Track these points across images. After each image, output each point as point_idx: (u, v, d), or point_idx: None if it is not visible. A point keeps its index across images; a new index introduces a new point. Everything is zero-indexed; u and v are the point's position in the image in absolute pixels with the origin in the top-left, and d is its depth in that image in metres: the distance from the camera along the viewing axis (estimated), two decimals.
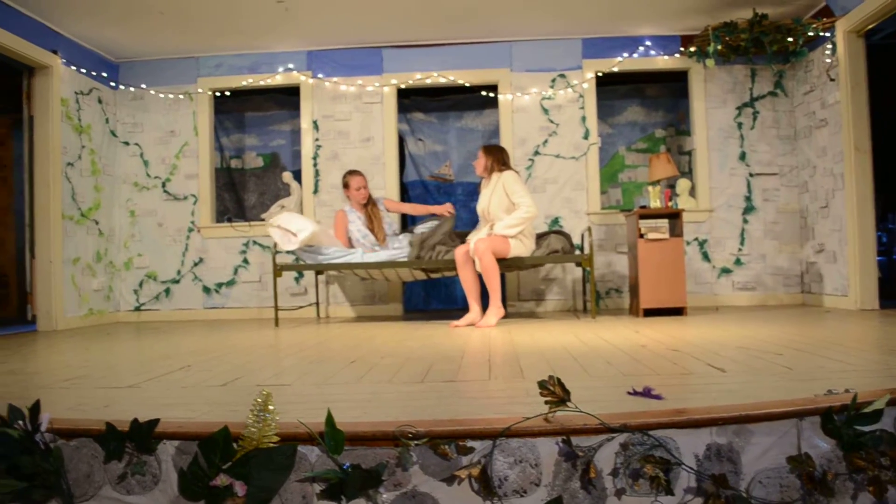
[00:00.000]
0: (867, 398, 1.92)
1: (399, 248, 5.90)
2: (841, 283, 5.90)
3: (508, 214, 5.47)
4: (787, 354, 3.08)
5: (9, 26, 5.52)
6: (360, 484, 1.75)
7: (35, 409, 1.92)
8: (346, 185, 6.16)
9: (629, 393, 2.21)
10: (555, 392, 1.82)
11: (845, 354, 3.03)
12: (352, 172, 6.19)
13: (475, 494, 1.77)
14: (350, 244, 6.11)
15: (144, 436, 1.85)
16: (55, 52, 6.11)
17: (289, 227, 5.76)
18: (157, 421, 1.86)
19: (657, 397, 2.12)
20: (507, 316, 6.01)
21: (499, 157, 5.59)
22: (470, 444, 1.77)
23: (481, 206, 5.67)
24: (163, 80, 7.06)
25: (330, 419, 1.77)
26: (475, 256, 5.37)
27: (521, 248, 5.45)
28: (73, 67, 6.36)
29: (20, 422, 1.90)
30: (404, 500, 1.78)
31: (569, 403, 1.82)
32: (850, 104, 5.65)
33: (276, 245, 5.87)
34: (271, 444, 1.77)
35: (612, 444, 1.79)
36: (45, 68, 6.05)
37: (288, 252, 6.08)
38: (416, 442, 1.76)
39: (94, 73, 6.67)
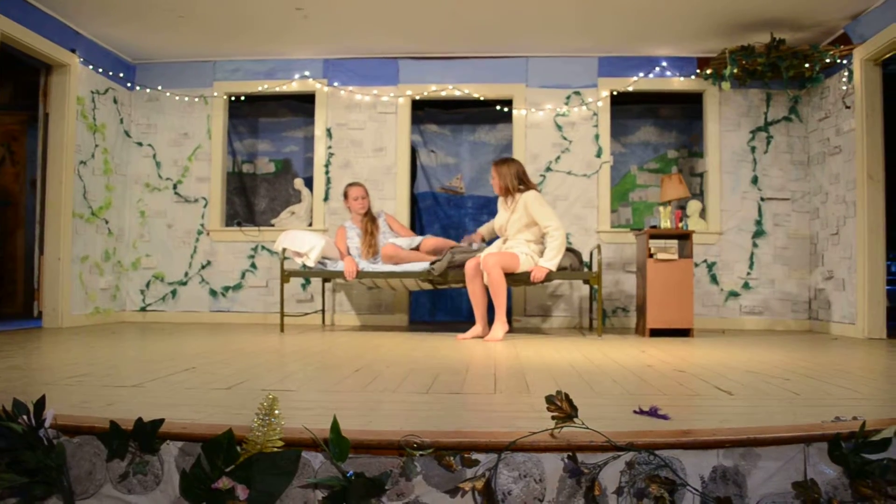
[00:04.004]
0: (875, 426, 1.91)
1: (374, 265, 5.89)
2: (849, 311, 5.87)
3: (528, 231, 5.50)
4: (794, 380, 3.06)
5: (29, 24, 5.56)
6: (363, 492, 1.74)
7: (40, 404, 1.91)
8: (345, 196, 6.17)
9: (636, 412, 2.19)
10: (562, 408, 1.81)
11: (853, 382, 3.01)
12: (351, 184, 6.22)
13: None
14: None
15: (148, 435, 1.84)
16: (73, 51, 6.15)
17: (299, 249, 5.79)
18: (161, 421, 1.85)
19: (664, 417, 2.11)
20: (512, 331, 6.00)
21: (516, 177, 5.52)
22: (475, 456, 1.76)
23: (499, 222, 5.66)
24: (179, 82, 7.10)
25: (336, 426, 1.76)
26: (484, 270, 5.38)
27: (531, 263, 5.44)
28: (91, 67, 6.40)
29: (24, 417, 1.90)
30: None
31: (576, 420, 1.81)
32: (864, 132, 5.64)
33: (284, 251, 5.88)
34: (275, 449, 1.77)
35: (617, 463, 1.78)
36: (62, 66, 6.09)
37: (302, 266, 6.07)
38: (421, 452, 1.75)
39: (110, 73, 6.71)
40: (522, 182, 5.54)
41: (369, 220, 6.11)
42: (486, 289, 5.46)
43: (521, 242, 5.51)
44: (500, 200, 5.70)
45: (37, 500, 1.87)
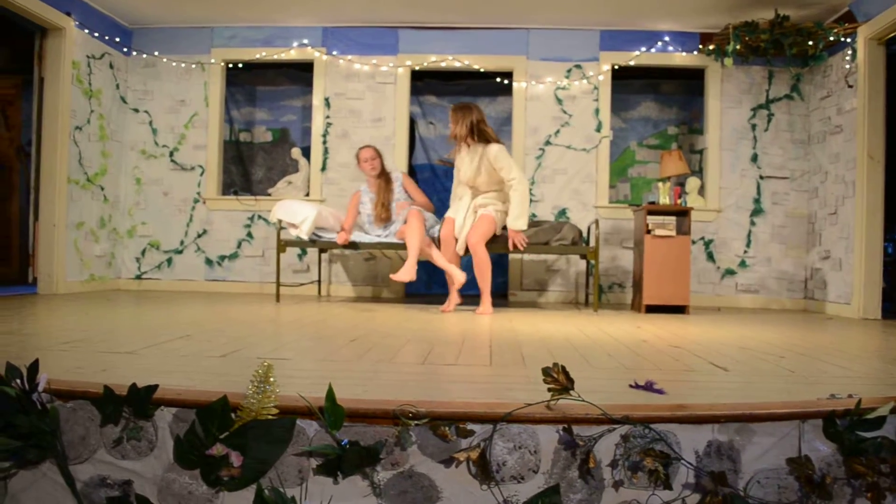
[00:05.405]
0: (870, 405, 1.91)
1: (387, 233, 5.87)
2: (844, 291, 5.87)
3: (498, 186, 5.42)
4: (789, 357, 3.06)
5: None
6: (357, 461, 1.73)
7: (33, 368, 1.90)
8: (357, 159, 6.02)
9: (631, 386, 2.19)
10: (558, 380, 1.81)
11: (848, 361, 3.02)
12: (362, 147, 6.04)
13: (472, 478, 1.76)
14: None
15: (142, 401, 1.83)
16: (69, 15, 6.07)
17: (292, 220, 5.76)
18: (155, 387, 1.84)
19: (659, 391, 2.11)
20: (508, 305, 6.03)
21: (475, 125, 5.31)
22: (470, 427, 1.76)
23: (466, 176, 5.48)
24: (176, 48, 7.02)
25: (331, 394, 1.75)
26: (471, 250, 5.33)
27: (503, 218, 5.42)
28: (87, 31, 6.32)
29: (17, 381, 1.89)
30: (401, 479, 1.77)
31: (571, 392, 1.81)
32: (866, 112, 5.60)
33: (280, 221, 5.85)
34: (270, 417, 1.76)
35: (612, 436, 1.78)
36: (57, 30, 6.01)
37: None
38: (416, 422, 1.74)
39: (107, 38, 6.63)
40: (481, 132, 5.33)
41: (383, 181, 5.96)
42: (483, 260, 5.41)
43: (491, 199, 5.45)
44: (459, 156, 5.53)
45: (30, 464, 1.87)
